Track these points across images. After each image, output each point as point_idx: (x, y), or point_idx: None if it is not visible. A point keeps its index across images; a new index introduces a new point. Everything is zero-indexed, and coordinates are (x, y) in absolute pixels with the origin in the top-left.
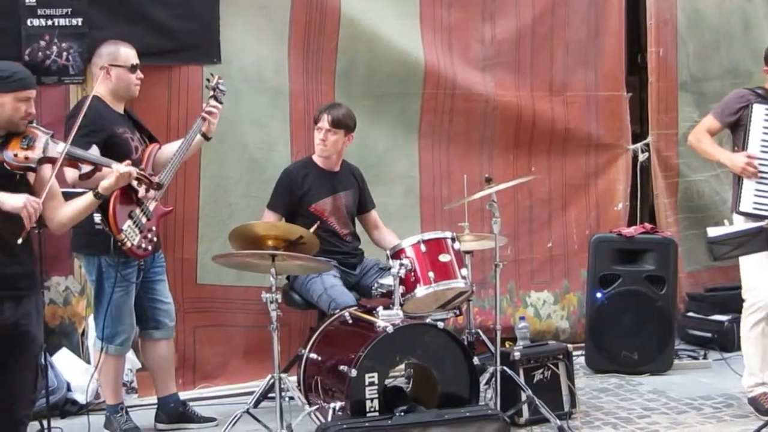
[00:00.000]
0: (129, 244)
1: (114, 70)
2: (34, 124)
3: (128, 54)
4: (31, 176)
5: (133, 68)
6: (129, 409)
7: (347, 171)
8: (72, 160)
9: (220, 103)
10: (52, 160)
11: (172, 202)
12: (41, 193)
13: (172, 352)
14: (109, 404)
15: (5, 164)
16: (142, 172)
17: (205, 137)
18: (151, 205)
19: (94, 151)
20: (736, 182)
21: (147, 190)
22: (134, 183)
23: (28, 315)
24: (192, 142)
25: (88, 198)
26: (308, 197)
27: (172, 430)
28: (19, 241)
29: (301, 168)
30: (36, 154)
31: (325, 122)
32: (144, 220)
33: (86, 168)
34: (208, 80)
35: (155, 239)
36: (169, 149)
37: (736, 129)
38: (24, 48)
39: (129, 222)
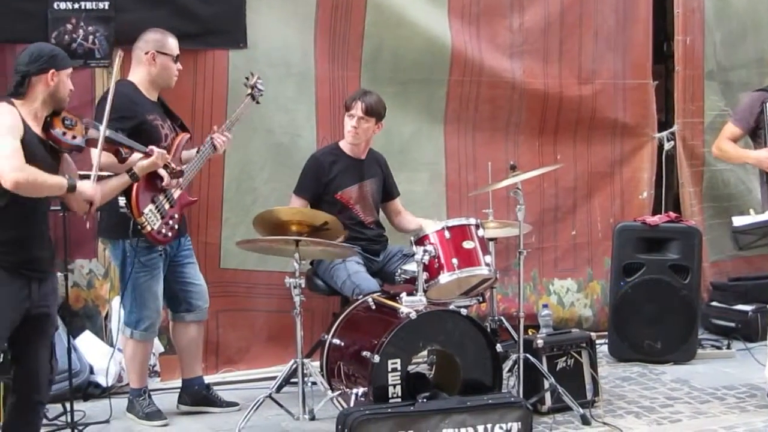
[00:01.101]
0: (149, 228)
1: (160, 57)
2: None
3: (174, 44)
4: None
5: (176, 59)
6: (152, 393)
7: (373, 158)
8: (111, 145)
9: (257, 102)
10: (94, 143)
11: (196, 186)
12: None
13: (201, 335)
14: (133, 387)
15: (55, 141)
16: (171, 165)
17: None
18: (176, 193)
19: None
20: (765, 181)
21: (171, 177)
22: (167, 203)
23: (47, 296)
24: (205, 159)
25: (122, 177)
26: (335, 184)
27: (194, 413)
28: (87, 222)
29: (328, 154)
30: (80, 135)
31: (358, 110)
32: (167, 206)
33: (125, 152)
34: (247, 78)
35: (176, 227)
36: (186, 154)
37: (756, 133)
38: (50, 31)
39: (151, 206)
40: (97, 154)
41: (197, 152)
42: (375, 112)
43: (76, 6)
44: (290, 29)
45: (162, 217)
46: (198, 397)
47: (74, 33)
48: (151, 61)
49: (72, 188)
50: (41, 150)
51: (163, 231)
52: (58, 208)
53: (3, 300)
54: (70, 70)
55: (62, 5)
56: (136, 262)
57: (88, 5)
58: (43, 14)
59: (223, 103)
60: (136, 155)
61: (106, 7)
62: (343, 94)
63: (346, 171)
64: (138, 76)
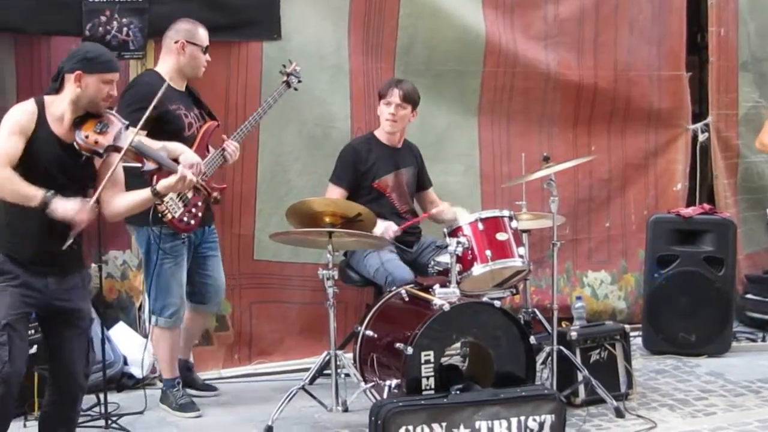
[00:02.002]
0: (170, 216)
1: (189, 47)
2: (114, 112)
3: (204, 35)
4: (97, 161)
5: (205, 50)
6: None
7: (407, 148)
8: (138, 155)
9: (295, 89)
10: (119, 150)
11: (230, 177)
12: (101, 182)
13: (205, 323)
14: (166, 378)
15: (75, 143)
16: (202, 184)
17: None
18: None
19: (146, 140)
20: None
21: (205, 200)
22: (190, 192)
23: (72, 290)
24: (215, 167)
25: (145, 194)
26: (372, 173)
27: (228, 404)
28: (63, 247)
29: (364, 143)
30: (106, 140)
31: (396, 96)
32: (190, 194)
33: (150, 166)
34: (284, 66)
35: (200, 215)
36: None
37: None
38: (85, 23)
39: (172, 194)
40: (116, 159)
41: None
42: (411, 99)
43: None
44: (324, 20)
45: (185, 205)
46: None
47: (108, 25)
48: (180, 50)
49: (44, 205)
50: (53, 150)
51: (185, 219)
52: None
53: (8, 289)
54: (106, 75)
55: None
56: (160, 250)
57: None
58: (77, 6)
59: (256, 95)
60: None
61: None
62: (377, 85)
63: (382, 159)
64: (166, 65)
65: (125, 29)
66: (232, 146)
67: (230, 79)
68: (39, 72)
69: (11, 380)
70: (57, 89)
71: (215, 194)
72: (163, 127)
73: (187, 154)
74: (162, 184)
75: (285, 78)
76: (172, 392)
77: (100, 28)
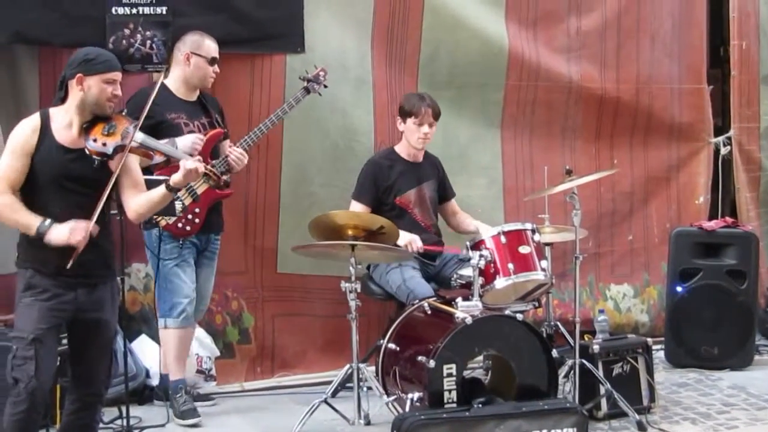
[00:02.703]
0: (163, 223)
1: (194, 58)
2: (123, 113)
3: (210, 46)
4: (111, 164)
5: (212, 61)
6: (211, 396)
7: (428, 161)
8: (145, 150)
9: (319, 94)
10: (125, 147)
11: (252, 189)
12: (109, 183)
13: (191, 335)
14: (171, 380)
15: (86, 149)
16: (211, 169)
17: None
18: (200, 188)
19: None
20: None
21: (216, 185)
22: (200, 188)
23: (101, 302)
24: (257, 138)
25: (161, 190)
26: (394, 189)
27: (248, 415)
28: (68, 266)
29: (385, 159)
30: (114, 141)
31: (429, 116)
32: (188, 201)
33: (158, 159)
34: (306, 71)
35: (197, 221)
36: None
37: None
38: (108, 36)
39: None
40: (122, 158)
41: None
42: (439, 114)
43: (134, 11)
44: (348, 34)
45: (181, 212)
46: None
47: (132, 38)
48: (185, 61)
49: (40, 236)
50: (60, 161)
51: (180, 224)
52: (115, 212)
53: (36, 303)
54: (107, 75)
55: (120, 10)
56: (163, 250)
57: (146, 10)
58: (101, 19)
59: (279, 107)
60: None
61: (164, 12)
62: (400, 98)
63: (404, 175)
64: (174, 75)
65: (149, 42)
66: (235, 153)
67: (254, 92)
68: None
69: (37, 394)
70: (62, 98)
71: (225, 177)
72: (160, 135)
73: (182, 143)
74: (173, 177)
75: (305, 84)
76: (175, 397)
77: (124, 41)
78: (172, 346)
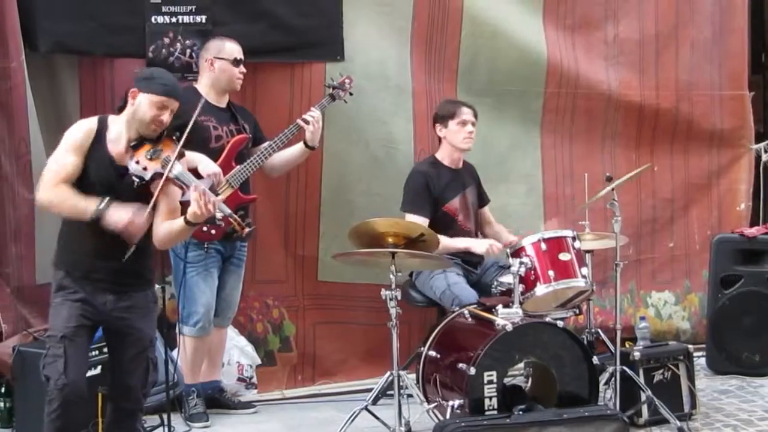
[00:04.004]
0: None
1: (217, 62)
2: (173, 138)
3: (232, 48)
4: (152, 186)
5: (236, 62)
6: (253, 404)
7: (466, 168)
8: (180, 183)
9: (345, 101)
10: (162, 176)
11: (293, 198)
12: (148, 208)
13: (223, 340)
14: (185, 383)
15: (129, 168)
16: (234, 217)
17: (308, 146)
18: (225, 193)
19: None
20: None
21: (239, 235)
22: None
23: (131, 309)
24: (279, 146)
25: (180, 223)
26: (443, 198)
27: (293, 424)
28: (123, 259)
29: (431, 168)
30: (154, 167)
31: (470, 114)
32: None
33: (190, 194)
34: (332, 79)
35: (222, 224)
36: (282, 154)
37: None
38: (148, 45)
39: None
40: (157, 187)
41: (268, 144)
42: (477, 114)
43: (174, 20)
44: (387, 42)
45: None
46: (210, 399)
47: (171, 47)
48: (210, 66)
49: (97, 217)
50: (106, 171)
51: (205, 228)
52: None
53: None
54: (156, 97)
55: (160, 19)
56: (188, 257)
57: (186, 19)
58: (140, 28)
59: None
60: None
61: (204, 21)
62: (441, 105)
63: (449, 183)
64: (202, 82)
65: (188, 51)
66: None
67: (293, 100)
68: (102, 94)
69: (67, 391)
70: (121, 108)
71: (247, 229)
72: (189, 135)
73: (205, 164)
74: (190, 211)
75: (330, 90)
76: (188, 400)
77: (163, 50)
78: (187, 352)
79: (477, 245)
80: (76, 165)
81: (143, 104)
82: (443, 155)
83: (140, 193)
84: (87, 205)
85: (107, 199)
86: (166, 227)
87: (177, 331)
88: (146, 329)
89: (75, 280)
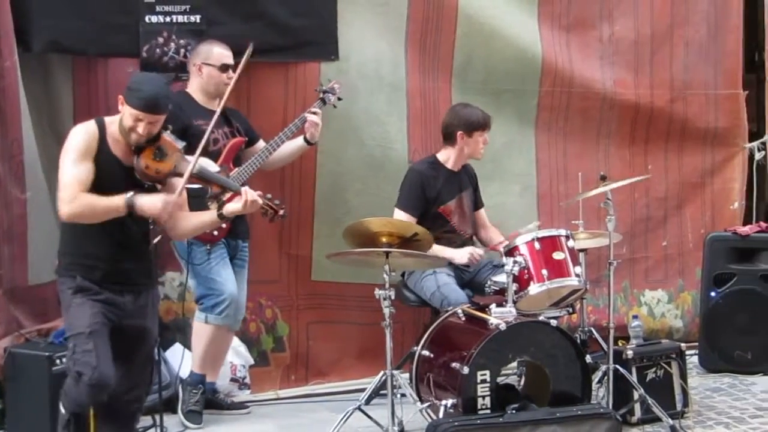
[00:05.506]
0: None
1: (205, 68)
2: (168, 133)
3: (221, 54)
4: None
5: (223, 67)
6: (247, 404)
7: (464, 170)
8: (199, 179)
9: (334, 106)
10: (181, 174)
11: (287, 197)
12: (174, 196)
13: (229, 344)
14: (193, 371)
15: (137, 173)
16: (268, 202)
17: (308, 142)
18: (226, 195)
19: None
20: None
21: (272, 219)
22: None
23: (144, 309)
24: (279, 144)
25: (211, 216)
26: (439, 198)
27: (284, 425)
28: (154, 241)
29: (430, 169)
30: (167, 168)
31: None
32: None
33: (214, 190)
34: (321, 84)
35: (224, 225)
36: (282, 149)
37: None
38: (142, 44)
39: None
40: (180, 183)
41: (271, 142)
42: None
43: (168, 19)
44: (382, 41)
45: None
46: (204, 400)
47: (166, 46)
48: (198, 72)
49: (130, 207)
50: (116, 172)
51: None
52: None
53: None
54: (135, 111)
55: (154, 19)
56: (192, 252)
57: (180, 19)
58: (134, 28)
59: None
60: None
61: (198, 21)
62: (434, 105)
63: (447, 185)
64: (192, 85)
65: (182, 51)
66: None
67: (288, 100)
68: (96, 94)
69: (101, 384)
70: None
71: (281, 212)
72: (186, 139)
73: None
74: (228, 208)
75: (321, 95)
76: (189, 391)
77: (158, 50)
78: (203, 340)
79: (458, 256)
80: (90, 170)
81: (125, 113)
82: (447, 157)
83: (149, 190)
84: (116, 202)
85: (131, 193)
86: (196, 221)
87: (197, 320)
88: (154, 329)
89: (95, 282)
